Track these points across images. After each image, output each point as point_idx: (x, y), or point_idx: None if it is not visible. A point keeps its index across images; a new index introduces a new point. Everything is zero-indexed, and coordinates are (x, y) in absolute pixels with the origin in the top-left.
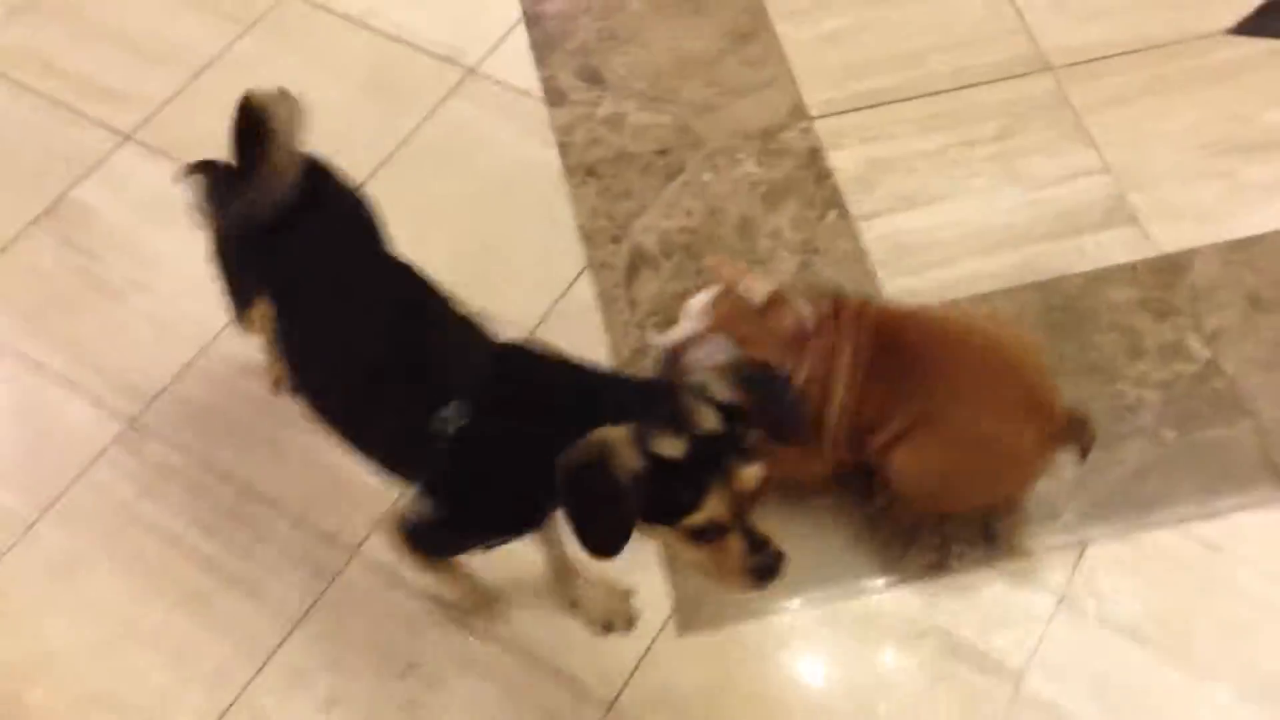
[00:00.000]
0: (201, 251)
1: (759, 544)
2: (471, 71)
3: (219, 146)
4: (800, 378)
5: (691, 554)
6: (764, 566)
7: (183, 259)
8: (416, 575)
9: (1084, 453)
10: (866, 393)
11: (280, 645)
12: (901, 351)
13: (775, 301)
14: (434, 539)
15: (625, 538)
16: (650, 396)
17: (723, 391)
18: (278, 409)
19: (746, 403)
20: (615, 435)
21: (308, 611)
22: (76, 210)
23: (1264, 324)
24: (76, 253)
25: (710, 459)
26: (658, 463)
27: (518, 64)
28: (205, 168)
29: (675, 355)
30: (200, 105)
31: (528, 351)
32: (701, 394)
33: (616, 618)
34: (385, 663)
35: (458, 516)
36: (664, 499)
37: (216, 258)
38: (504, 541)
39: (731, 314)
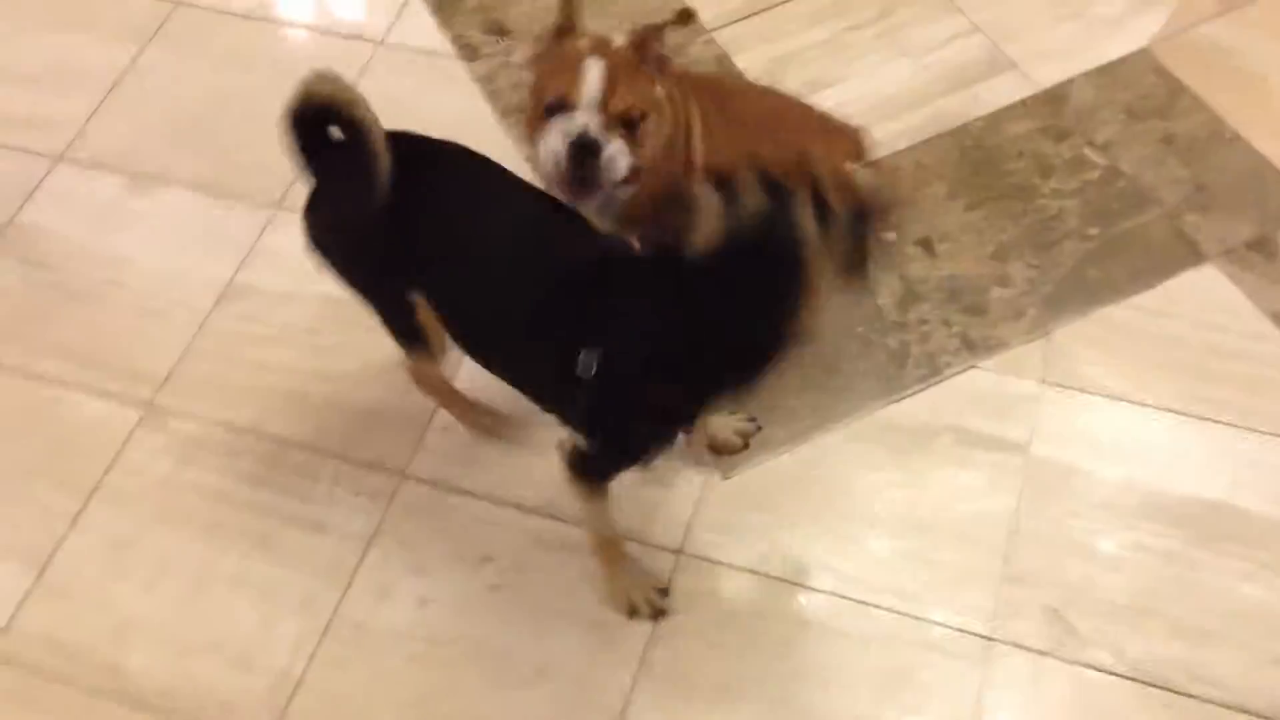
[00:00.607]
0: (166, 243)
1: None
2: (380, 43)
3: (154, 150)
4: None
5: None
6: None
7: (149, 255)
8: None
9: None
10: (712, 148)
11: (358, 565)
12: (726, 108)
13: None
14: (597, 466)
15: None
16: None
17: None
18: (291, 369)
19: None
20: None
21: (376, 530)
22: (28, 232)
23: (1143, 129)
24: (40, 269)
25: None
26: None
27: (422, 30)
28: (310, 211)
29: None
30: (124, 116)
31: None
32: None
33: (644, 604)
34: (461, 559)
35: (615, 444)
36: None
37: (362, 287)
38: (660, 454)
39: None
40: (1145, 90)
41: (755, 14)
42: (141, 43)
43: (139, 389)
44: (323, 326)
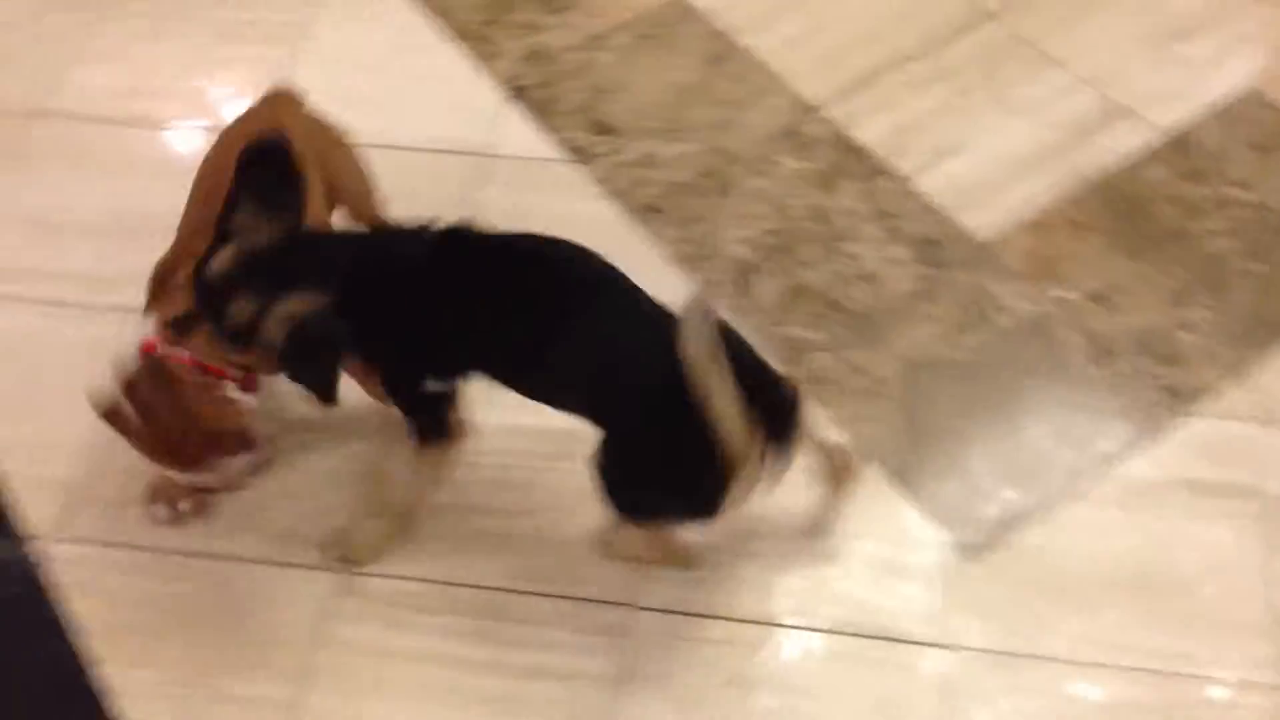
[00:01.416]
0: None
1: None
2: (485, 156)
3: None
4: None
5: None
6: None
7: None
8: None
9: None
10: None
11: (616, 710)
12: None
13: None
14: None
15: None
16: None
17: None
18: (482, 509)
19: None
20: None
21: (623, 669)
22: None
23: (1276, 162)
24: None
25: None
26: None
27: (525, 137)
28: None
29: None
30: None
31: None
32: None
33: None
34: (727, 684)
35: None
36: None
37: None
38: None
39: None
40: (1266, 125)
41: (857, 90)
42: None
43: (315, 554)
44: (506, 460)
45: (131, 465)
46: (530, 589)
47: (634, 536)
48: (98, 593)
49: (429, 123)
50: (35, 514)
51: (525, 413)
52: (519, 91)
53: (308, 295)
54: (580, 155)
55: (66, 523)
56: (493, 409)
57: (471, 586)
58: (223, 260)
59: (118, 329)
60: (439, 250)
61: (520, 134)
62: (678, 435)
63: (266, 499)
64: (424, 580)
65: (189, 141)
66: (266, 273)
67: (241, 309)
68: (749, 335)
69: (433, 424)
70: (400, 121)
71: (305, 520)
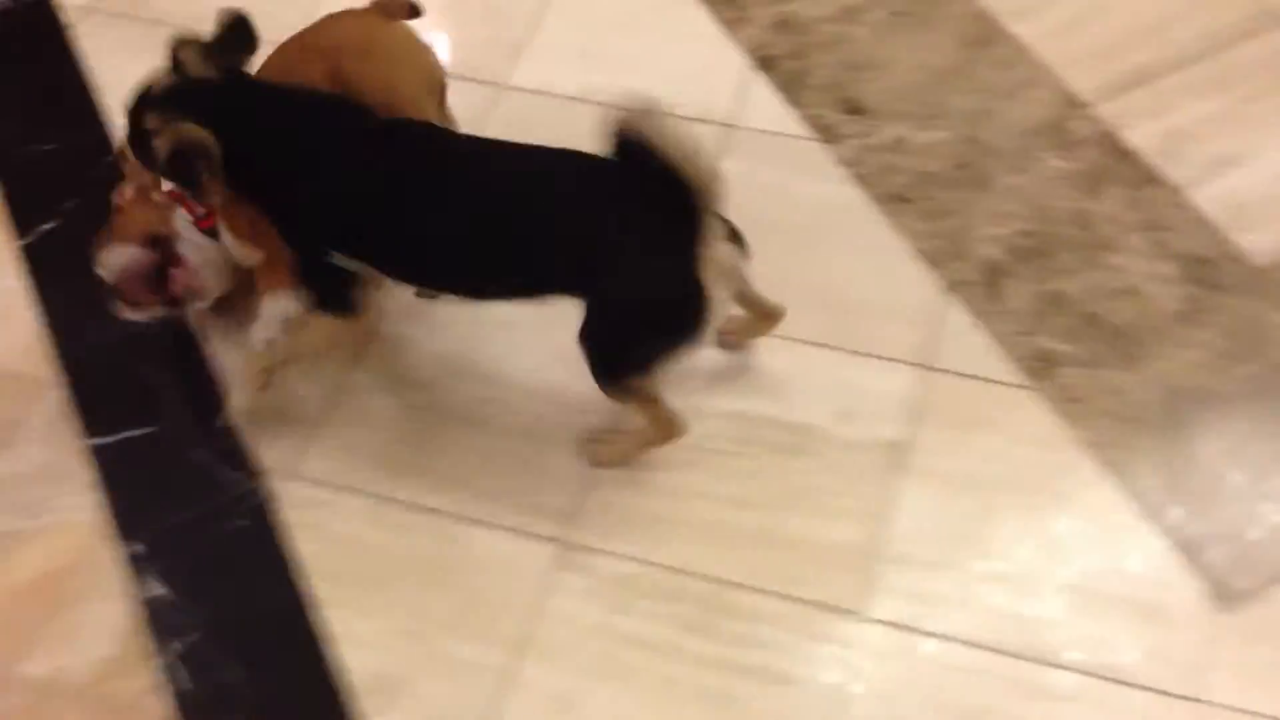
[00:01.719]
0: (536, 357)
1: None
2: (728, 126)
3: None
4: None
5: None
6: None
7: (520, 370)
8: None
9: None
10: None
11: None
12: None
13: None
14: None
15: None
16: None
17: None
18: (708, 496)
19: None
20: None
21: (851, 681)
22: (394, 346)
23: None
24: (411, 389)
25: None
26: None
27: (770, 110)
28: None
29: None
30: None
31: None
32: None
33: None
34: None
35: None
36: None
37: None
38: None
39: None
40: None
41: (1132, 87)
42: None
43: (543, 523)
44: (734, 447)
45: (370, 410)
46: (759, 586)
47: (618, 438)
48: (323, 536)
49: (671, 87)
50: (268, 450)
51: (766, 401)
52: (765, 61)
53: (200, 126)
54: (826, 134)
55: (298, 461)
56: (739, 395)
57: (700, 576)
58: (159, 85)
59: None
60: (376, 134)
61: (764, 106)
62: (648, 265)
63: (490, 457)
64: (651, 563)
65: None
66: (181, 102)
67: (152, 125)
68: (995, 341)
69: (331, 295)
70: (642, 83)
71: (528, 485)
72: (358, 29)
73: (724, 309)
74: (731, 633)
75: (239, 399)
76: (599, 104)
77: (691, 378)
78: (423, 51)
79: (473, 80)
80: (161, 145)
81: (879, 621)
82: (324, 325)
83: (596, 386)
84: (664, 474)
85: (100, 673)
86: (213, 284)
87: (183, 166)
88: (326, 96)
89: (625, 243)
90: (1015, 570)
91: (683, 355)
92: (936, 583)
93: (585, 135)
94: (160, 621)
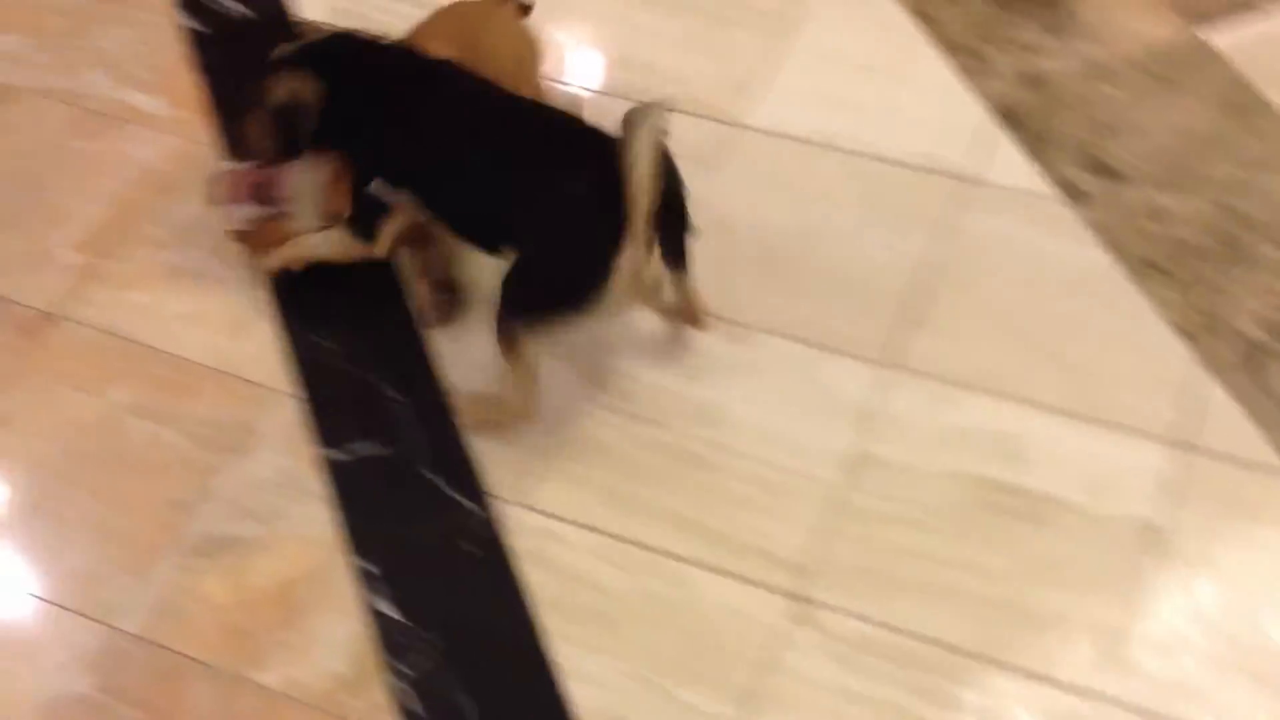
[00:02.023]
0: (769, 400)
1: None
2: (964, 179)
3: (744, 291)
4: None
5: None
6: None
7: (753, 412)
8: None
9: None
10: None
11: None
12: None
13: None
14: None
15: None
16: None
17: None
18: (939, 559)
19: None
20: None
21: None
22: (620, 379)
23: None
24: (640, 423)
25: None
26: None
27: (1013, 166)
28: None
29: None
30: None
31: None
32: None
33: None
34: None
35: None
36: None
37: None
38: None
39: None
40: None
41: None
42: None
43: (777, 573)
44: (974, 512)
45: (602, 443)
46: (999, 658)
47: (479, 399)
48: (552, 567)
49: (911, 136)
50: (499, 476)
51: (1007, 466)
52: (1010, 116)
53: (309, 77)
54: (1073, 195)
55: (530, 491)
56: (980, 459)
57: (935, 643)
58: (281, 49)
59: None
60: (426, 74)
61: (1008, 161)
62: (573, 235)
63: (721, 501)
64: (886, 624)
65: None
66: (296, 59)
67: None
68: (1258, 423)
69: (361, 218)
70: (881, 130)
71: (761, 532)
72: (472, 15)
73: (626, 305)
74: (971, 706)
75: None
76: (839, 150)
77: (929, 436)
78: (522, 34)
79: (707, 118)
80: (275, 93)
81: (1125, 706)
82: (342, 238)
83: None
84: (902, 533)
85: (331, 687)
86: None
87: (289, 115)
88: (394, 50)
89: (566, 208)
90: (1275, 670)
91: (567, 327)
92: (1194, 674)
93: (824, 182)
94: (391, 641)
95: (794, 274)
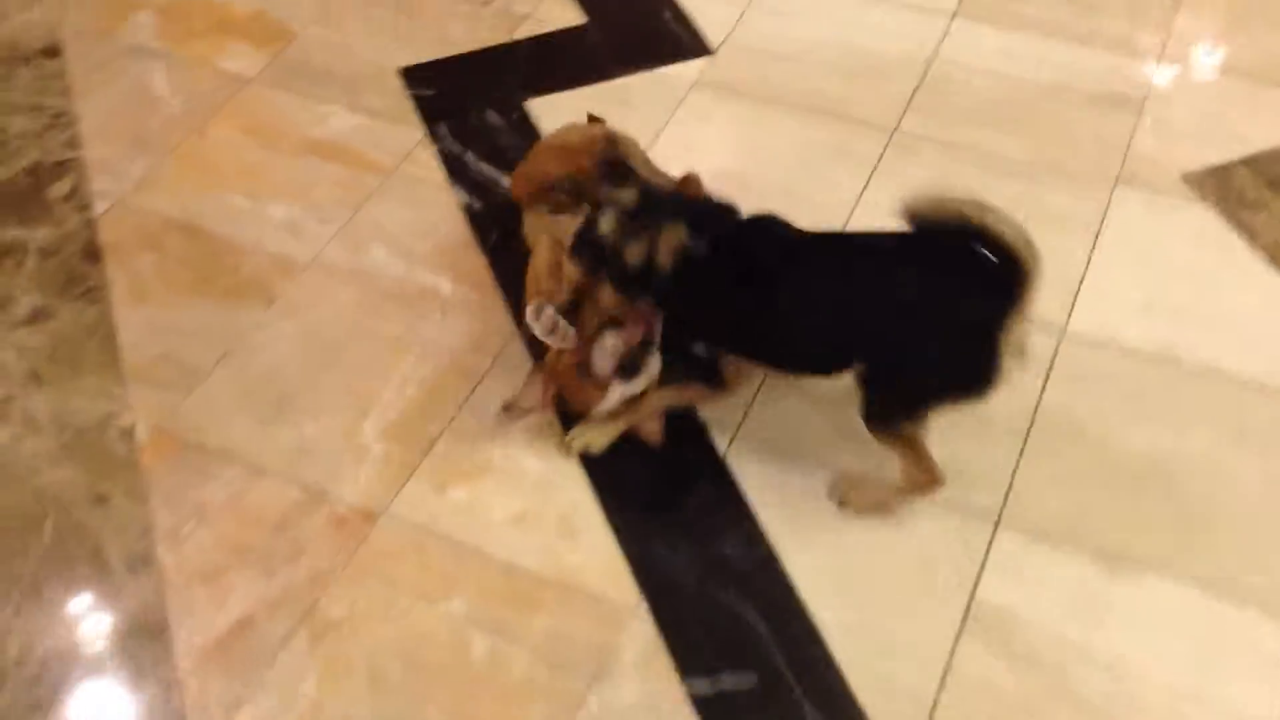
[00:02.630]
0: (1170, 648)
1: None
2: None
3: (1103, 521)
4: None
5: None
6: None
7: (1152, 659)
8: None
9: None
10: None
11: None
12: None
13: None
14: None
15: None
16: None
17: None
18: None
19: None
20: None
21: None
22: (995, 613)
23: None
24: (1027, 664)
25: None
26: None
27: None
28: None
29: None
30: (1050, 473)
31: None
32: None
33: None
34: None
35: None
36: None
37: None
38: None
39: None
40: None
41: None
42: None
43: None
44: None
45: (988, 685)
46: None
47: (871, 484)
48: None
49: (1244, 345)
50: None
51: None
52: None
53: (678, 225)
54: None
55: None
56: None
57: None
58: (607, 220)
59: None
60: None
61: None
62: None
63: None
64: None
65: None
66: (643, 218)
67: (634, 251)
68: None
69: (709, 373)
70: (1209, 338)
71: None
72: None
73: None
74: None
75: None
76: (1170, 360)
77: None
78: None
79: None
80: (665, 257)
81: None
82: (701, 393)
83: (864, 426)
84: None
85: None
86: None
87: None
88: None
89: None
90: None
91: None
92: None
93: (1158, 395)
94: None
95: (1159, 510)
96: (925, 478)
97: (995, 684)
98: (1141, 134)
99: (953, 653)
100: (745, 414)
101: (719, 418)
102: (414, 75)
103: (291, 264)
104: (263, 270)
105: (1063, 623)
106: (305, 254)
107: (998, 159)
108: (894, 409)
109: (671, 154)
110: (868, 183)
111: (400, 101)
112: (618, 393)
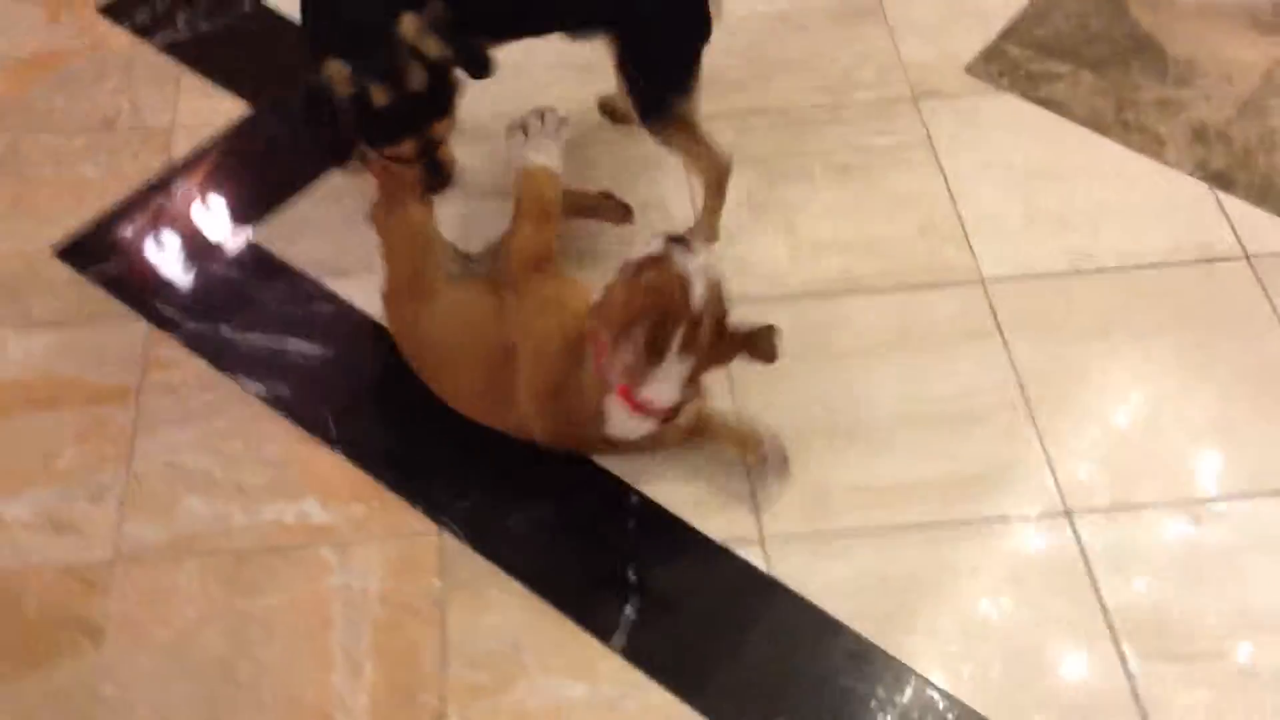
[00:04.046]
0: None
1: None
2: (1234, 260)
3: None
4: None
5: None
6: (434, 180)
7: None
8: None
9: None
10: None
11: None
12: None
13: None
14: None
15: (347, 148)
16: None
17: (433, 48)
18: None
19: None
20: (336, 72)
21: None
22: None
23: None
24: None
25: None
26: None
27: (1262, 227)
28: None
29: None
30: None
31: None
32: (413, 52)
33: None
34: None
35: None
36: (371, 131)
37: None
38: None
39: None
40: None
41: None
42: None
43: None
44: None
45: None
46: None
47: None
48: None
49: (1144, 234)
50: None
51: None
52: (1218, 178)
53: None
54: None
55: None
56: None
57: None
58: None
59: None
60: None
61: (1252, 224)
62: None
63: None
64: None
65: None
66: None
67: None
68: None
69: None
70: (1115, 237)
71: None
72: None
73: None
74: None
75: None
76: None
77: None
78: None
79: (949, 283)
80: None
81: None
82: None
83: (646, 128)
84: None
85: None
86: None
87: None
88: None
89: None
90: None
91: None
92: None
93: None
94: None
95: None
96: (712, 164)
97: None
98: (901, 41)
99: None
100: None
101: None
102: (77, 252)
103: (90, 571)
104: (57, 599)
105: None
106: (99, 550)
107: (798, 109)
108: (660, 87)
109: None
110: None
111: (83, 292)
112: None
